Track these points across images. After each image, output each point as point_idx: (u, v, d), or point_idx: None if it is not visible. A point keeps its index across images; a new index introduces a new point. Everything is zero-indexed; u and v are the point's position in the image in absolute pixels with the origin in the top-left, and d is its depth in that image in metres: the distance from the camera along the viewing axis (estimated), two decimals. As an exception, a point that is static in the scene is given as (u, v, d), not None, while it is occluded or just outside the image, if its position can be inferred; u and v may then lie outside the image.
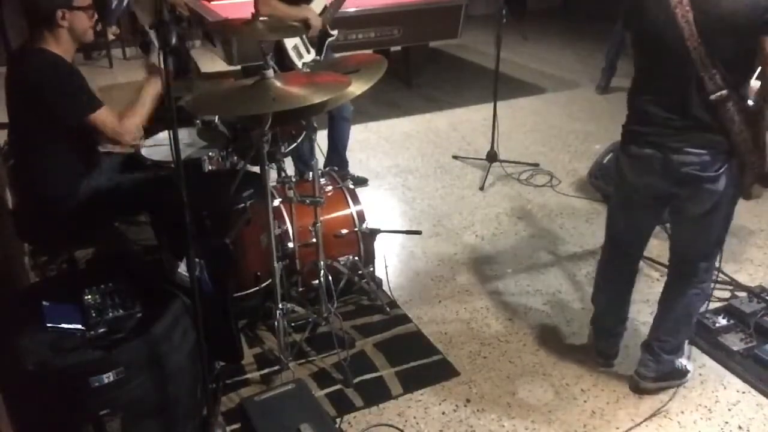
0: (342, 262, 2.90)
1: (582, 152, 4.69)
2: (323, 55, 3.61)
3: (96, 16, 2.47)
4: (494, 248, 3.52)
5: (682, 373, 2.51)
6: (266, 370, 2.60)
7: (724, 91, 1.99)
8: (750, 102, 2.05)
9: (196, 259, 1.92)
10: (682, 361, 2.52)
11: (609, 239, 2.54)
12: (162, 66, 1.73)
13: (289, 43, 3.49)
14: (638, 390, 2.50)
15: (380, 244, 3.14)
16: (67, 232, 2.55)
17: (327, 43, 3.60)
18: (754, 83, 2.08)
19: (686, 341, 2.56)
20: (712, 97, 2.00)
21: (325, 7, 3.57)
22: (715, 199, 2.14)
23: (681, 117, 2.08)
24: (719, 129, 2.05)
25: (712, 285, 2.45)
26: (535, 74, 6.47)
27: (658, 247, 3.25)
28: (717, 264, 2.44)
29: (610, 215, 2.54)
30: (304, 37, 3.51)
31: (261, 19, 2.48)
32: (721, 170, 2.09)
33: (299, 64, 3.49)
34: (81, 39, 2.43)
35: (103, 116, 2.36)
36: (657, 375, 2.47)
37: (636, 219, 2.41)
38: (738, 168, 2.11)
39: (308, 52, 3.55)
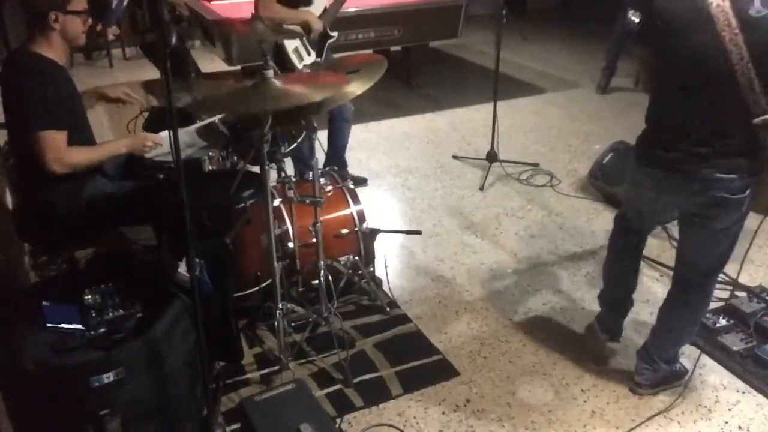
0: (342, 262, 2.90)
1: (582, 152, 4.69)
2: (323, 56, 3.61)
3: (90, 21, 2.46)
4: (494, 248, 3.52)
5: (680, 375, 2.51)
6: (266, 370, 2.59)
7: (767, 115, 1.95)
8: None
9: (196, 259, 1.92)
10: (680, 362, 2.52)
11: (620, 216, 2.51)
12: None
13: (290, 45, 3.49)
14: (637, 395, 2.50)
15: (380, 244, 3.14)
16: (68, 234, 2.55)
17: (327, 44, 3.60)
18: None
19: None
20: (756, 120, 1.96)
21: (325, 8, 3.57)
22: (737, 216, 2.15)
23: (716, 140, 2.03)
24: (751, 152, 2.02)
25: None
26: (535, 74, 6.47)
27: (658, 247, 3.25)
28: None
29: (624, 200, 2.52)
30: (304, 39, 3.51)
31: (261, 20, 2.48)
32: (746, 192, 2.08)
33: (300, 66, 3.49)
34: (73, 43, 2.42)
35: (51, 137, 2.29)
36: (654, 382, 2.47)
37: (648, 214, 2.40)
38: (756, 185, 2.10)
39: (309, 54, 3.55)
